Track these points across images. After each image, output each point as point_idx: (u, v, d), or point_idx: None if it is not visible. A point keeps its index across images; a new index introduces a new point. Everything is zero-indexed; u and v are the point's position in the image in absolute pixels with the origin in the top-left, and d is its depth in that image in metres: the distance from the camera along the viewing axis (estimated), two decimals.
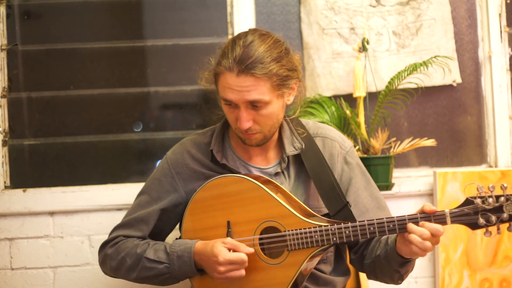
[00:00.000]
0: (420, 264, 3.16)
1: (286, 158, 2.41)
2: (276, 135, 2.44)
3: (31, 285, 3.11)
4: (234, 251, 2.21)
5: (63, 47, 3.26)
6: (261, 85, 2.22)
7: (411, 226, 2.09)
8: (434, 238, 2.08)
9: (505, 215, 2.00)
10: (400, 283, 2.34)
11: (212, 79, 2.34)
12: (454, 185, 3.13)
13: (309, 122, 2.53)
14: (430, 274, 3.19)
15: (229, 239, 2.24)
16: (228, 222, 2.30)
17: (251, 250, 2.22)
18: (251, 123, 2.28)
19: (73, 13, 3.26)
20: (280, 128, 2.44)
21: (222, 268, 2.20)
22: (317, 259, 2.30)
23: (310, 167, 2.39)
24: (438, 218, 2.07)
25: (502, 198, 2.00)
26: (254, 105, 2.25)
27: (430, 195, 3.19)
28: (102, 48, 3.27)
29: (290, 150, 2.41)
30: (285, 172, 2.42)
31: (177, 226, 2.55)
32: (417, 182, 3.22)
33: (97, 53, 3.27)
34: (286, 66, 2.27)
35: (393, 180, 3.15)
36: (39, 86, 3.26)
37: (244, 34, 2.30)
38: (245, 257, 2.19)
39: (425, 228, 2.07)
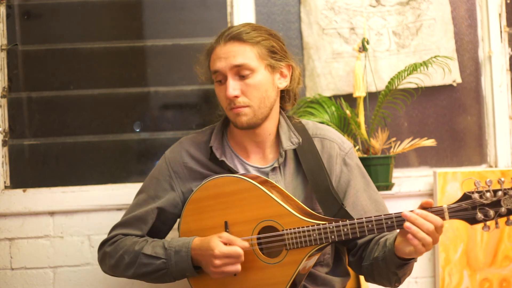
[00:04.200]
0: (420, 264, 3.16)
1: (284, 153, 2.41)
2: (275, 129, 2.45)
3: (31, 285, 3.11)
4: (230, 245, 2.22)
5: (63, 47, 3.27)
6: (247, 50, 2.32)
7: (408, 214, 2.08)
8: (433, 233, 2.07)
9: (503, 209, 2.00)
10: (397, 286, 2.34)
11: (207, 65, 2.42)
12: (454, 185, 3.12)
13: (309, 123, 2.53)
14: (430, 274, 3.19)
15: (225, 234, 2.24)
16: (226, 223, 2.30)
17: (246, 244, 2.22)
18: (239, 92, 2.32)
19: (73, 13, 3.27)
20: (278, 124, 2.45)
21: (217, 262, 2.20)
22: (315, 258, 2.30)
23: (307, 169, 2.39)
24: (436, 213, 2.06)
25: (500, 193, 2.00)
26: (241, 75, 2.32)
27: (430, 195, 3.19)
28: (102, 48, 3.28)
29: (287, 145, 2.41)
30: (281, 169, 2.42)
31: (176, 226, 2.55)
32: (417, 182, 3.21)
33: (97, 53, 3.27)
34: (273, 42, 2.37)
35: (393, 180, 3.15)
36: (39, 86, 3.26)
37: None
38: (240, 251, 2.20)
39: (422, 214, 2.06)
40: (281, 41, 2.42)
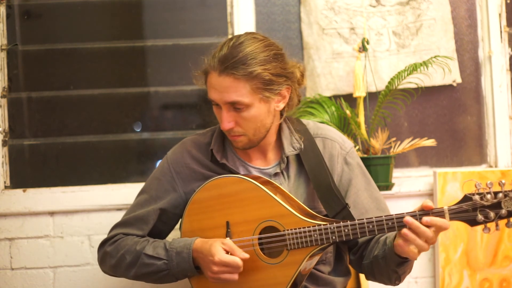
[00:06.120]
0: (420, 264, 3.16)
1: (285, 158, 2.41)
2: (275, 136, 2.44)
3: (31, 285, 3.11)
4: (231, 254, 2.22)
5: (63, 47, 3.27)
6: (241, 86, 2.23)
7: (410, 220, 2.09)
8: (436, 233, 2.07)
9: (503, 211, 2.00)
10: (398, 284, 2.34)
11: (203, 78, 2.36)
12: (454, 185, 3.12)
13: (310, 123, 2.53)
14: (430, 274, 3.19)
15: (228, 241, 2.24)
16: (227, 223, 2.30)
17: (246, 255, 2.21)
18: (232, 124, 2.29)
19: (73, 13, 3.27)
20: (280, 129, 2.45)
21: (215, 268, 2.20)
22: (316, 258, 2.30)
23: (309, 168, 2.39)
24: (437, 215, 2.06)
25: (500, 194, 2.00)
26: (235, 107, 2.27)
27: (430, 195, 3.19)
28: (102, 48, 3.28)
29: (289, 151, 2.40)
30: (284, 173, 2.42)
31: (177, 226, 2.55)
32: (417, 182, 3.22)
33: (97, 53, 3.28)
34: (270, 70, 2.26)
35: (393, 180, 3.15)
36: (39, 86, 3.26)
37: (238, 36, 2.33)
38: (239, 262, 2.19)
39: (432, 222, 2.05)
40: (279, 59, 2.30)
